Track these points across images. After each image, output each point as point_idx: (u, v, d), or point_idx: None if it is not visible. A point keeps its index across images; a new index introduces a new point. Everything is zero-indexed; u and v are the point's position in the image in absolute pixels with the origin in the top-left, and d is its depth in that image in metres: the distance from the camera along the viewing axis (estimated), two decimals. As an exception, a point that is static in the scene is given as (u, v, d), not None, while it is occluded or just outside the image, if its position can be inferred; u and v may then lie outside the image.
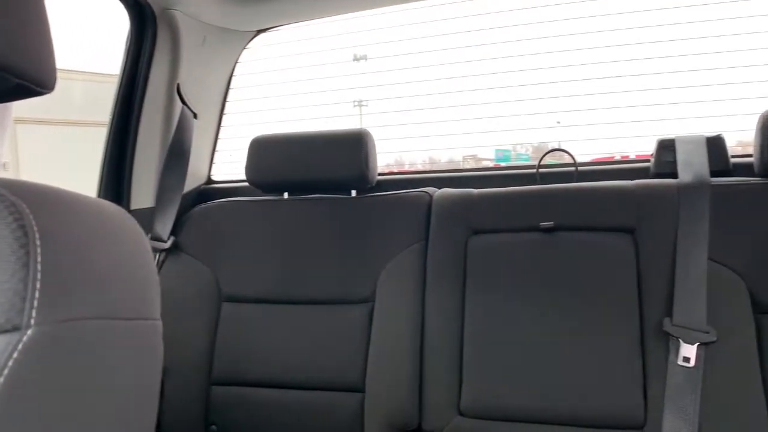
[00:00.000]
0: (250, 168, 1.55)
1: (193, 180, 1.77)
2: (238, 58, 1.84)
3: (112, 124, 1.59)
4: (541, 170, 1.54)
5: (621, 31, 1.74)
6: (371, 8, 1.72)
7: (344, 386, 1.37)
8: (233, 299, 1.49)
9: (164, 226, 1.57)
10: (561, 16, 1.84)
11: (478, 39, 1.98)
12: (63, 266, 0.47)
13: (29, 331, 0.43)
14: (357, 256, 1.44)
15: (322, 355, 1.40)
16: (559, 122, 2.15)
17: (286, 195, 1.58)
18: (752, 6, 1.57)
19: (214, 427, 1.42)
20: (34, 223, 0.45)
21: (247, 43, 1.82)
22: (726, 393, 1.13)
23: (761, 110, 1.27)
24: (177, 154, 1.64)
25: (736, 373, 1.14)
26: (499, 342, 1.28)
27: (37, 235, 0.45)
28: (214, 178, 1.92)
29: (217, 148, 1.91)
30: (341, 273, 1.44)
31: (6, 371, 0.42)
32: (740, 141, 1.52)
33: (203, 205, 1.61)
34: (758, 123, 1.26)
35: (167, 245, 1.55)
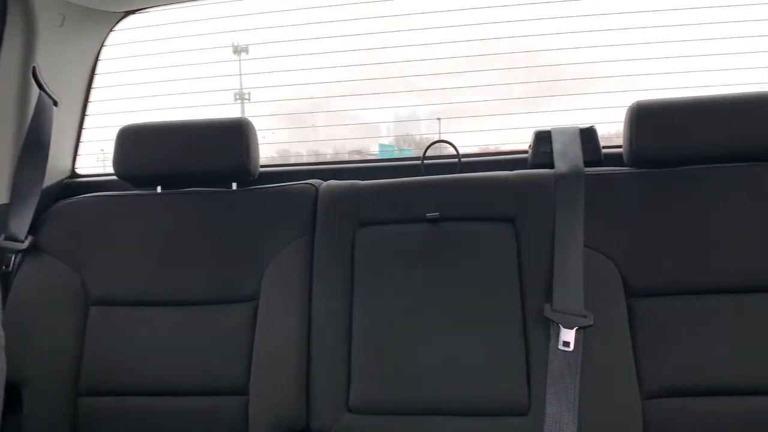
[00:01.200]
0: (118, 160, 1.43)
1: (54, 174, 1.62)
2: (104, 41, 1.70)
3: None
4: (425, 162, 1.55)
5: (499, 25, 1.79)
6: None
7: (228, 389, 1.30)
8: (102, 302, 1.37)
9: (21, 224, 1.42)
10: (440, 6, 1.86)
11: (358, 29, 1.97)
12: None
13: None
14: (239, 252, 1.37)
15: (202, 358, 1.32)
16: (439, 119, 2.19)
17: (159, 189, 1.48)
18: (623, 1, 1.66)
19: None
20: None
21: (114, 25, 1.68)
22: (602, 375, 1.18)
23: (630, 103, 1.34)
24: (34, 145, 1.49)
25: (611, 355, 1.19)
26: (387, 335, 1.26)
27: None
28: (79, 171, 1.77)
29: (83, 139, 1.75)
30: (222, 271, 1.37)
31: None
32: (618, 131, 1.60)
33: (66, 201, 1.47)
34: (626, 115, 1.32)
35: (24, 245, 1.40)
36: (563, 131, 1.44)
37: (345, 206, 1.37)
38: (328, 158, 2.27)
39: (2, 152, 1.46)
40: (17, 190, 1.45)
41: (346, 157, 2.32)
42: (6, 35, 1.41)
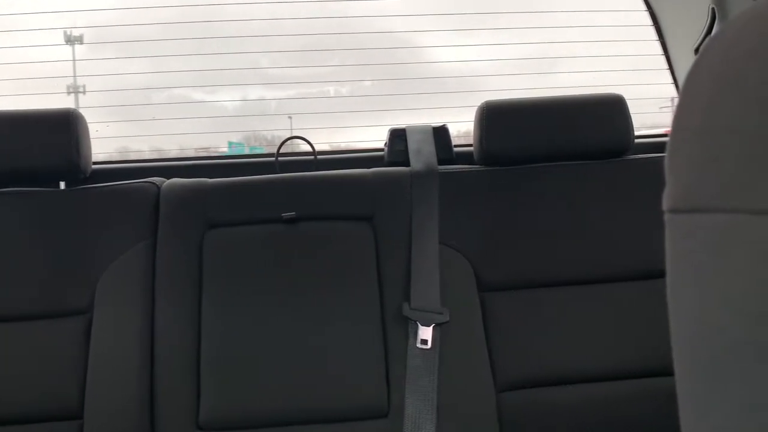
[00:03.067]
0: None
1: None
2: None
3: None
4: (280, 159, 1.48)
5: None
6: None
7: (58, 415, 1.15)
8: None
9: None
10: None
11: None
12: None
13: None
14: (69, 259, 1.22)
15: (31, 380, 1.16)
16: (290, 117, 2.13)
17: None
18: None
19: None
20: None
21: None
22: (459, 370, 1.20)
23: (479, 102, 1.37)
24: None
25: (466, 350, 1.21)
26: (239, 343, 1.19)
27: None
28: None
29: None
30: (48, 281, 1.21)
31: None
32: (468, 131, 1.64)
33: None
34: (476, 115, 1.35)
35: None
36: (417, 129, 1.45)
37: (191, 206, 1.27)
38: (173, 156, 2.13)
39: None
40: None
41: (193, 155, 2.19)
42: None
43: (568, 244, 1.28)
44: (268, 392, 1.17)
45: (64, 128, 1.25)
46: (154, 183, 1.32)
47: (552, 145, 1.33)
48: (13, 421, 1.15)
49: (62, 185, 1.32)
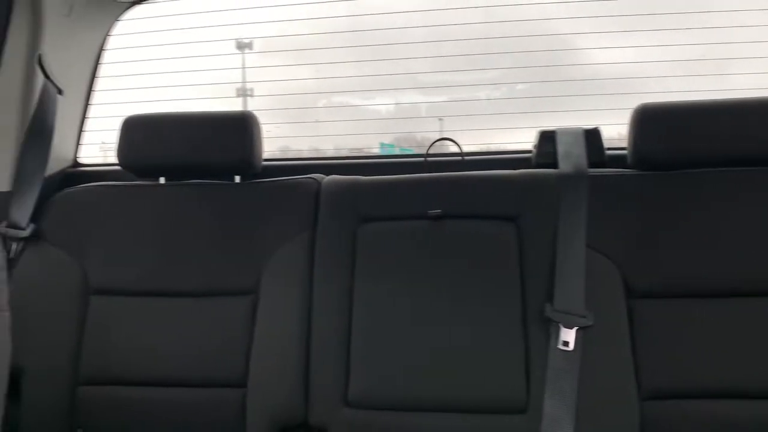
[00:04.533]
0: (122, 150, 1.43)
1: (56, 162, 1.62)
2: (109, 31, 1.70)
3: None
4: (428, 159, 1.55)
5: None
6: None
7: (226, 382, 1.30)
8: (103, 292, 1.37)
9: (23, 212, 1.42)
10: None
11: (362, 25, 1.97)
12: None
13: None
14: (240, 245, 1.37)
15: (201, 350, 1.32)
16: (441, 119, 2.19)
17: (162, 180, 1.48)
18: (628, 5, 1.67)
19: (80, 429, 1.30)
20: None
21: (121, 15, 1.68)
22: (601, 375, 1.18)
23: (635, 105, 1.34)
24: (38, 133, 1.49)
25: (610, 355, 1.20)
26: (386, 331, 1.27)
27: None
28: (82, 160, 1.77)
29: (86, 128, 1.75)
30: (223, 264, 1.37)
31: None
32: (620, 133, 1.60)
33: (69, 190, 1.47)
34: (631, 117, 1.33)
35: (26, 233, 1.40)
36: (568, 132, 1.44)
37: (347, 201, 1.37)
38: (329, 155, 2.28)
39: (6, 140, 1.46)
40: (20, 177, 1.45)
41: (347, 155, 2.33)
42: (12, 22, 1.41)
43: (727, 255, 1.22)
44: (411, 379, 1.24)
45: (241, 129, 1.41)
46: (315, 179, 1.44)
47: (714, 149, 1.27)
48: (184, 383, 1.32)
49: (237, 179, 1.48)
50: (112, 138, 1.46)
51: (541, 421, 1.16)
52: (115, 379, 1.32)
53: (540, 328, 1.22)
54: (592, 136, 1.43)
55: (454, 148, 1.58)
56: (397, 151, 2.87)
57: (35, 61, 1.47)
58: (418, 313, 1.27)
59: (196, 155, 1.42)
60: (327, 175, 1.47)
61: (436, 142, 1.57)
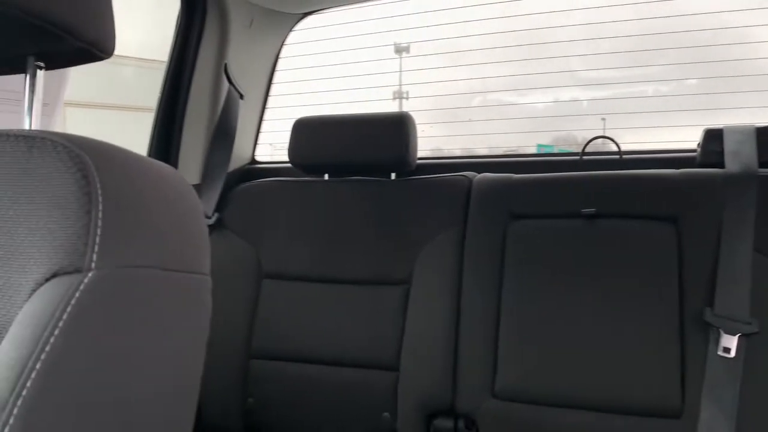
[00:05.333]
0: (292, 149, 1.57)
1: (237, 160, 1.81)
2: (284, 40, 1.87)
3: (160, 103, 1.63)
4: (584, 158, 1.53)
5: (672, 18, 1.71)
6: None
7: (379, 364, 1.39)
8: (273, 276, 1.52)
9: (209, 203, 1.61)
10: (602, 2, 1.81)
11: (522, 25, 1.97)
12: (121, 216, 0.49)
13: (90, 274, 0.46)
14: (395, 238, 1.45)
15: (357, 333, 1.42)
16: (603, 118, 2.13)
17: (326, 176, 1.60)
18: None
19: (251, 399, 1.45)
20: (96, 174, 0.48)
21: (294, 25, 1.84)
22: (766, 384, 1.11)
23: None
24: (223, 134, 1.68)
25: None
26: (535, 327, 1.28)
27: (98, 186, 0.48)
28: (258, 158, 1.96)
29: (262, 129, 1.94)
30: (379, 254, 1.45)
31: (69, 309, 0.45)
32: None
33: (247, 184, 1.65)
34: None
35: (212, 221, 1.59)
36: (737, 130, 1.35)
37: (498, 198, 1.40)
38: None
39: (197, 139, 1.66)
40: (207, 173, 1.65)
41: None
42: (204, 37, 1.61)
43: None
44: (561, 375, 1.24)
45: (398, 129, 1.49)
46: (467, 176, 1.48)
47: None
48: (341, 363, 1.41)
49: (392, 176, 1.56)
50: (277, 138, 1.60)
51: (696, 428, 1.11)
52: (282, 354, 1.46)
53: (698, 332, 1.17)
54: (765, 134, 1.33)
55: (613, 147, 1.54)
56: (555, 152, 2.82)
57: (222, 69, 1.66)
58: (568, 312, 1.26)
59: (357, 153, 1.52)
60: (479, 173, 1.51)
61: (592, 140, 1.54)
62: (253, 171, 1.87)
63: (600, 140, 1.56)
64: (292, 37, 1.89)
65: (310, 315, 1.46)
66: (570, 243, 1.31)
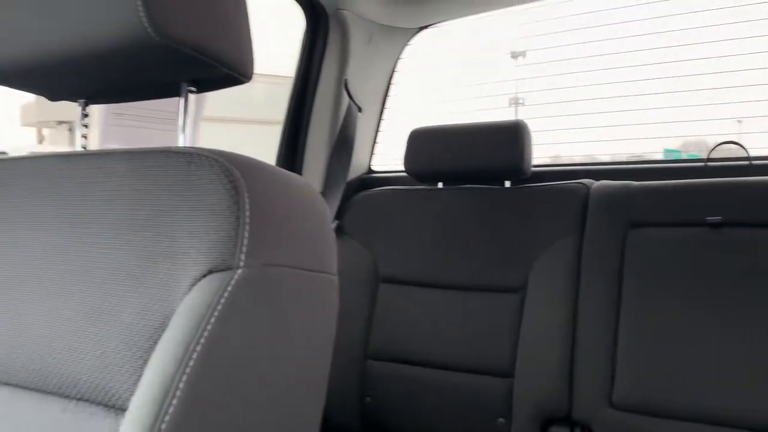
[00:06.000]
0: (408, 158, 1.63)
1: (355, 169, 1.89)
2: (400, 54, 1.94)
3: (287, 117, 1.76)
4: (710, 164, 1.46)
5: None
6: (533, 1, 1.73)
7: (493, 370, 1.40)
8: (390, 281, 1.58)
9: (330, 210, 1.70)
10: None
11: (645, 28, 1.91)
12: (264, 220, 0.56)
13: (239, 271, 0.54)
14: (510, 245, 1.47)
15: (472, 338, 1.44)
16: (739, 121, 2.01)
17: (440, 184, 1.64)
18: None
19: (369, 398, 1.52)
20: (244, 185, 0.56)
21: (410, 40, 1.91)
22: None
23: None
24: (342, 145, 1.77)
25: None
26: (656, 337, 1.25)
27: (246, 195, 0.55)
28: (374, 168, 2.04)
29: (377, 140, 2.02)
30: (493, 261, 1.47)
31: (222, 301, 0.52)
32: None
33: (365, 193, 1.72)
34: None
35: (332, 228, 1.67)
36: None
37: (617, 206, 1.38)
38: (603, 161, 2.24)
39: (319, 150, 1.77)
40: (328, 181, 1.75)
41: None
42: (326, 54, 1.71)
43: None
44: (680, 389, 1.20)
45: (512, 137, 1.50)
46: (584, 184, 1.47)
47: None
48: (454, 368, 1.45)
49: (507, 183, 1.58)
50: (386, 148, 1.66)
51: None
52: (397, 357, 1.51)
53: None
54: None
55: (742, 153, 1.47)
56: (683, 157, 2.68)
57: (342, 84, 1.75)
58: (690, 323, 1.22)
59: (471, 162, 1.55)
60: (597, 180, 1.49)
61: (718, 146, 1.48)
62: (369, 180, 1.95)
63: (728, 146, 1.48)
64: (406, 51, 1.96)
65: (424, 319, 1.50)
66: (693, 252, 1.27)
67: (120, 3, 0.57)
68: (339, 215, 1.70)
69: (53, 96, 0.81)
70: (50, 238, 0.64)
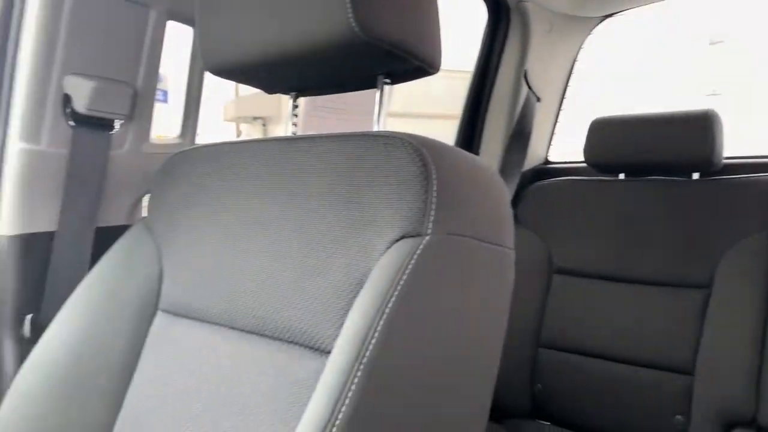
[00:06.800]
0: (588, 149, 1.61)
1: (531, 160, 1.91)
2: (582, 44, 1.91)
3: (465, 108, 1.82)
4: None
5: None
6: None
7: (670, 366, 1.36)
8: (564, 272, 1.58)
9: None
10: None
11: None
12: (449, 194, 0.63)
13: (427, 238, 0.61)
14: (695, 240, 1.40)
15: (650, 333, 1.41)
16: None
17: (622, 176, 1.61)
18: None
19: (539, 386, 1.54)
20: (432, 163, 0.63)
21: (593, 29, 1.88)
22: None
23: None
24: (519, 136, 1.79)
25: None
26: None
27: (434, 172, 0.63)
28: (550, 158, 2.03)
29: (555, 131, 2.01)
30: (676, 256, 1.42)
31: (412, 263, 0.60)
32: None
33: (541, 182, 1.73)
34: None
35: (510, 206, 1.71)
36: None
37: None
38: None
39: (495, 140, 1.81)
40: (504, 171, 1.78)
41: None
42: (507, 45, 1.74)
43: None
44: None
45: (703, 127, 1.43)
46: None
47: None
48: (631, 362, 1.42)
49: (695, 176, 1.50)
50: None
51: None
52: (569, 347, 1.52)
53: None
54: None
55: None
56: None
57: (521, 75, 1.77)
58: None
59: (657, 153, 1.50)
60: None
61: None
62: (545, 170, 1.95)
63: None
64: (590, 40, 1.92)
65: (600, 311, 1.49)
66: None
67: (332, 5, 0.67)
68: (513, 204, 1.73)
69: (270, 89, 0.94)
70: (272, 208, 0.76)
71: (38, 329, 0.99)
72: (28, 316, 1.02)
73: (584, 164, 1.65)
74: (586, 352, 1.49)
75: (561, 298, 1.56)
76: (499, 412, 1.57)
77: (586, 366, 1.48)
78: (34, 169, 1.01)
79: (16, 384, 0.83)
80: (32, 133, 1.00)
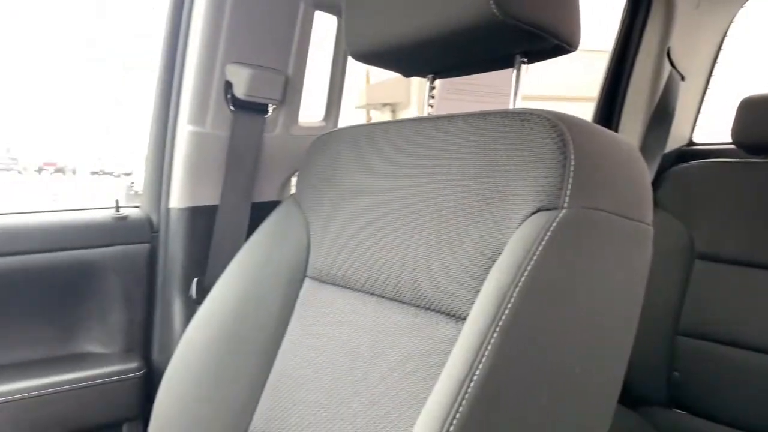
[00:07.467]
0: (737, 128, 1.52)
1: (674, 141, 1.82)
2: (734, 18, 1.79)
3: (603, 88, 1.77)
4: None
5: None
6: None
7: None
8: (707, 258, 1.51)
9: None
10: None
11: None
12: (586, 169, 0.65)
13: (563, 211, 0.63)
14: None
15: None
16: None
17: None
18: None
19: (676, 373, 1.49)
20: (570, 138, 0.65)
21: (744, 3, 1.75)
22: None
23: None
24: (661, 116, 1.72)
25: None
26: None
27: (571, 147, 0.64)
28: (695, 140, 1.93)
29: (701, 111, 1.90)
30: None
31: (548, 235, 0.62)
32: None
33: (684, 165, 1.65)
34: None
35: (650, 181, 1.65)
36: None
37: None
38: None
39: (635, 121, 1.75)
40: (644, 152, 1.71)
41: None
42: (648, 23, 1.67)
43: None
44: None
45: None
46: None
47: None
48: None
49: None
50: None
51: None
52: (710, 335, 1.45)
53: None
54: None
55: None
56: None
57: (664, 53, 1.69)
58: None
59: None
60: None
61: None
62: (689, 152, 1.85)
63: None
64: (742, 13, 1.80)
65: (746, 300, 1.41)
66: None
67: None
68: (654, 187, 1.67)
69: (407, 73, 0.99)
70: (409, 184, 0.81)
71: (203, 291, 1.12)
72: (195, 279, 1.15)
73: (732, 146, 1.55)
74: (730, 342, 1.42)
75: (703, 285, 1.49)
76: (631, 398, 1.54)
77: (729, 356, 1.41)
78: (200, 149, 1.13)
79: (185, 338, 0.95)
80: (199, 117, 1.12)
